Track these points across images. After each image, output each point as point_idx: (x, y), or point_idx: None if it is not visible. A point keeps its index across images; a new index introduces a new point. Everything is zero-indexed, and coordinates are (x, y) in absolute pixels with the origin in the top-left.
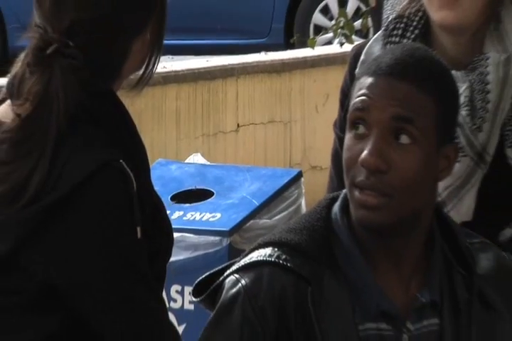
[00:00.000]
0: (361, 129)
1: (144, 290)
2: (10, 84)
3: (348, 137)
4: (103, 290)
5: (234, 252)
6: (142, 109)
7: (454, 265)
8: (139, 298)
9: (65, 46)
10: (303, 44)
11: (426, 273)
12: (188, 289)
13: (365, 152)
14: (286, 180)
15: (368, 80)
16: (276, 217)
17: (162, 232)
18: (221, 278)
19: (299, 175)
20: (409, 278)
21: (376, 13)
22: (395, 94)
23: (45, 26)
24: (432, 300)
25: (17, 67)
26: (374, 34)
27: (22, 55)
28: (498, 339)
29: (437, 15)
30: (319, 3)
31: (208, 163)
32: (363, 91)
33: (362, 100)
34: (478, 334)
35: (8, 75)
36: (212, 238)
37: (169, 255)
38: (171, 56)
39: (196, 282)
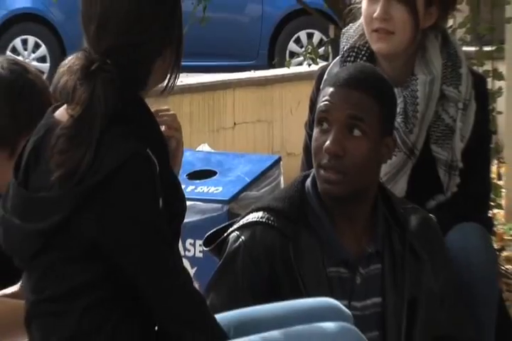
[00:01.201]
0: (325, 125)
1: (164, 244)
2: (66, 93)
3: (316, 131)
4: (135, 245)
5: (231, 216)
6: None
7: (392, 225)
8: (160, 250)
9: (104, 64)
10: (281, 65)
11: (372, 231)
12: (198, 242)
13: (327, 142)
14: (269, 163)
15: (330, 90)
16: (262, 190)
17: (178, 201)
18: (225, 234)
19: (279, 159)
20: (361, 235)
21: (335, 43)
22: (349, 100)
23: (90, 49)
24: (377, 250)
25: (58, 73)
26: (333, 59)
27: (62, 64)
28: (424, 280)
29: (375, 46)
30: (293, 36)
31: (213, 151)
32: (326, 97)
33: (325, 104)
34: (409, 276)
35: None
36: (215, 205)
37: (183, 217)
38: (186, 73)
39: (205, 236)
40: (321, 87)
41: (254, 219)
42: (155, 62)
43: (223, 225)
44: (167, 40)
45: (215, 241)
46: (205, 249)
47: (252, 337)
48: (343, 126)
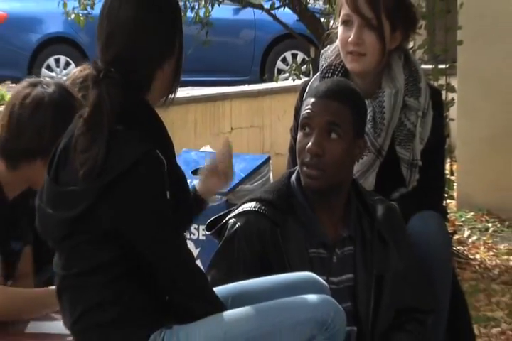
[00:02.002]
0: (307, 130)
1: (170, 228)
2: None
3: (299, 135)
4: (146, 229)
5: (229, 205)
6: (174, 119)
7: (362, 214)
8: (166, 233)
9: (109, 72)
10: (270, 80)
11: (346, 219)
12: (201, 227)
13: (309, 143)
14: (260, 161)
15: (312, 100)
16: (254, 184)
17: (183, 193)
18: (224, 221)
19: (269, 158)
20: (337, 222)
21: (315, 61)
22: (328, 109)
23: (98, 60)
24: (350, 235)
25: (70, 78)
26: (314, 75)
27: (68, 76)
28: (389, 261)
29: (350, 65)
30: (280, 55)
31: (214, 151)
32: (308, 106)
33: (308, 112)
34: (377, 257)
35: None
36: (216, 196)
37: (190, 206)
38: (191, 87)
39: (207, 222)
40: (304, 98)
41: (249, 208)
42: (155, 70)
43: (222, 213)
44: (166, 53)
45: (216, 227)
46: (207, 233)
47: (247, 307)
48: (322, 131)
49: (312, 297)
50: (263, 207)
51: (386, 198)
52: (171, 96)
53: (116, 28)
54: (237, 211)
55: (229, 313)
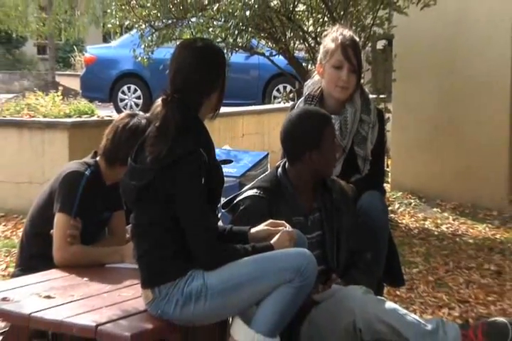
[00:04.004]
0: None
1: (200, 202)
2: (154, 114)
3: None
4: (184, 199)
5: (241, 186)
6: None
7: (324, 192)
8: (196, 204)
9: (173, 97)
10: (269, 103)
11: (315, 195)
12: (223, 199)
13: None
14: (262, 156)
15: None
16: (258, 171)
17: (218, 177)
18: (234, 202)
19: (267, 154)
20: (309, 198)
21: (298, 91)
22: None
23: (167, 89)
24: (318, 206)
25: (154, 108)
26: (297, 101)
27: (155, 104)
28: (343, 221)
29: (337, 95)
30: (275, 87)
31: (231, 149)
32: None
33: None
34: (335, 219)
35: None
36: (232, 179)
37: (222, 186)
38: None
39: (223, 202)
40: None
41: (252, 194)
42: (204, 98)
43: (235, 194)
44: (212, 87)
45: (229, 205)
46: (222, 210)
47: (248, 258)
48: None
49: (291, 251)
50: (261, 192)
51: (347, 180)
52: (216, 113)
53: (178, 69)
54: (244, 195)
55: (236, 261)
